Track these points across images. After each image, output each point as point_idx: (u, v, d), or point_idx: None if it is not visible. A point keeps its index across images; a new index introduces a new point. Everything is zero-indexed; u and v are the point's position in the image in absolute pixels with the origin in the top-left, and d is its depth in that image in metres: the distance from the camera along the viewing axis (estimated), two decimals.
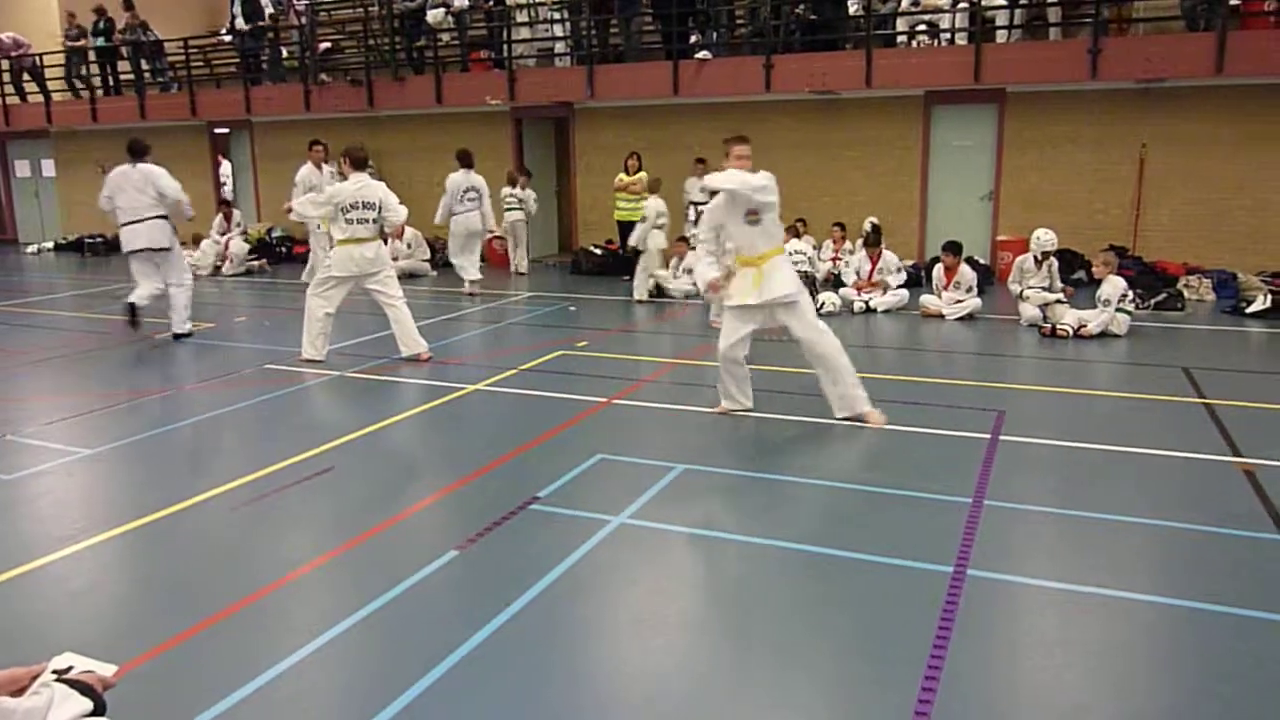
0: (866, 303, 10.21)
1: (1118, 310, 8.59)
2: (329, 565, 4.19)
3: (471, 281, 11.83)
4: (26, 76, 18.93)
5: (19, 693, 2.01)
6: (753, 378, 6.49)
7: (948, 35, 12.26)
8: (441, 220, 11.95)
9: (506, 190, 13.60)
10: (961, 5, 12.05)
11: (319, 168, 11.55)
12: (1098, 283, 8.93)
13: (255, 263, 15.07)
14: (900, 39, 12.61)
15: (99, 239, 18.23)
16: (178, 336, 9.29)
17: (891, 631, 3.52)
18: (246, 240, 15.73)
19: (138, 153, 9.27)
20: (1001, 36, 12.08)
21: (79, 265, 16.78)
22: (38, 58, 18.75)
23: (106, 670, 2.08)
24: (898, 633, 3.50)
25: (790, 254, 11.14)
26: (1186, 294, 10.45)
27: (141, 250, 9.12)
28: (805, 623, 3.62)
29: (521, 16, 14.45)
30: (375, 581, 3.93)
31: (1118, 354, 8.09)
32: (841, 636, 3.51)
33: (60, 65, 18.62)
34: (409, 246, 13.95)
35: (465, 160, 11.90)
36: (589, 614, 3.72)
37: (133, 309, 9.30)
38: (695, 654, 3.41)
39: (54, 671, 2.05)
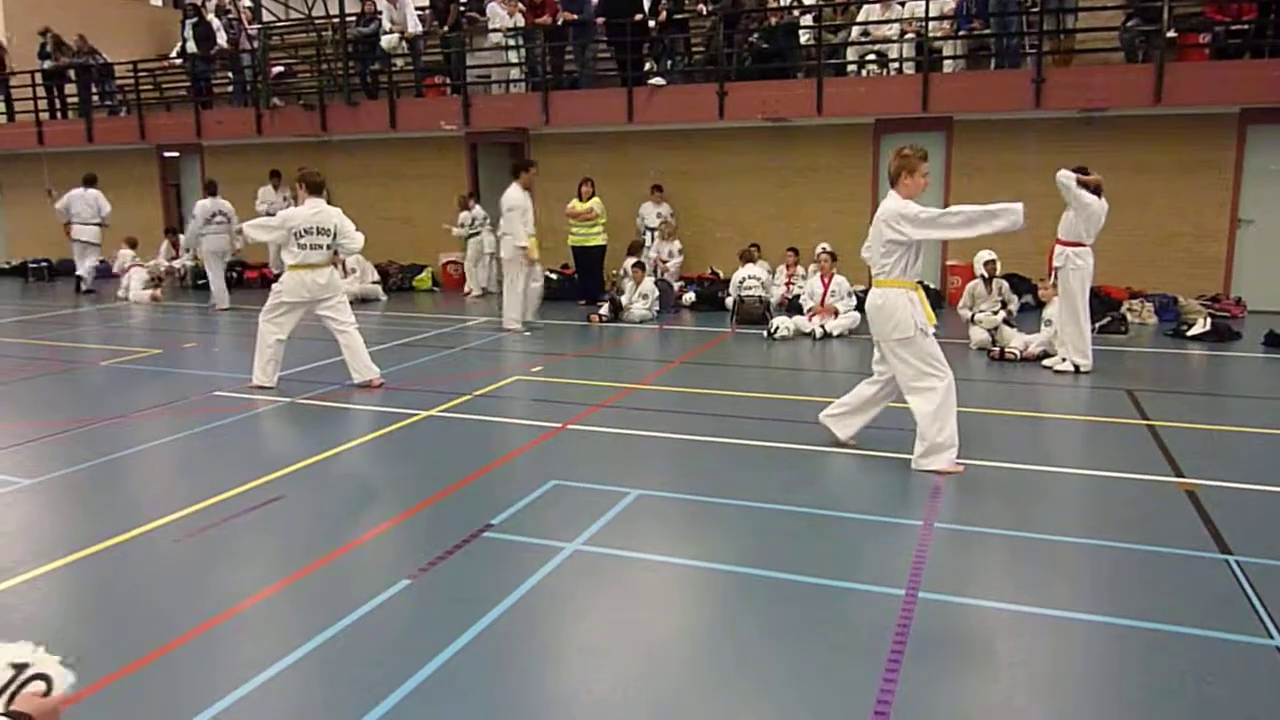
0: (822, 326, 10.31)
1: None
2: (279, 595, 4.11)
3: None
4: None
5: None
6: (716, 404, 6.53)
7: (896, 65, 12.51)
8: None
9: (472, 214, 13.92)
10: (909, 36, 12.31)
11: (529, 190, 11.07)
12: (1042, 306, 9.13)
13: (152, 292, 14.42)
14: (850, 68, 12.84)
15: (44, 263, 17.86)
16: (81, 280, 15.11)
17: (846, 655, 3.53)
18: (196, 264, 15.52)
19: (91, 182, 15.00)
20: (949, 66, 12.36)
21: (22, 290, 16.40)
22: None
23: (60, 676, 1.97)
24: (852, 656, 3.52)
25: (744, 280, 11.34)
26: (1130, 318, 10.71)
27: (85, 242, 14.92)
28: (760, 647, 3.63)
29: (486, 41, 14.51)
30: (326, 611, 3.87)
31: (1063, 377, 8.24)
32: (796, 660, 3.52)
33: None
34: (354, 271, 13.83)
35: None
36: (543, 642, 3.69)
37: (80, 281, 15.14)
38: (650, 682, 3.39)
39: (12, 665, 1.93)
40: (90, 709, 3.18)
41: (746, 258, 11.78)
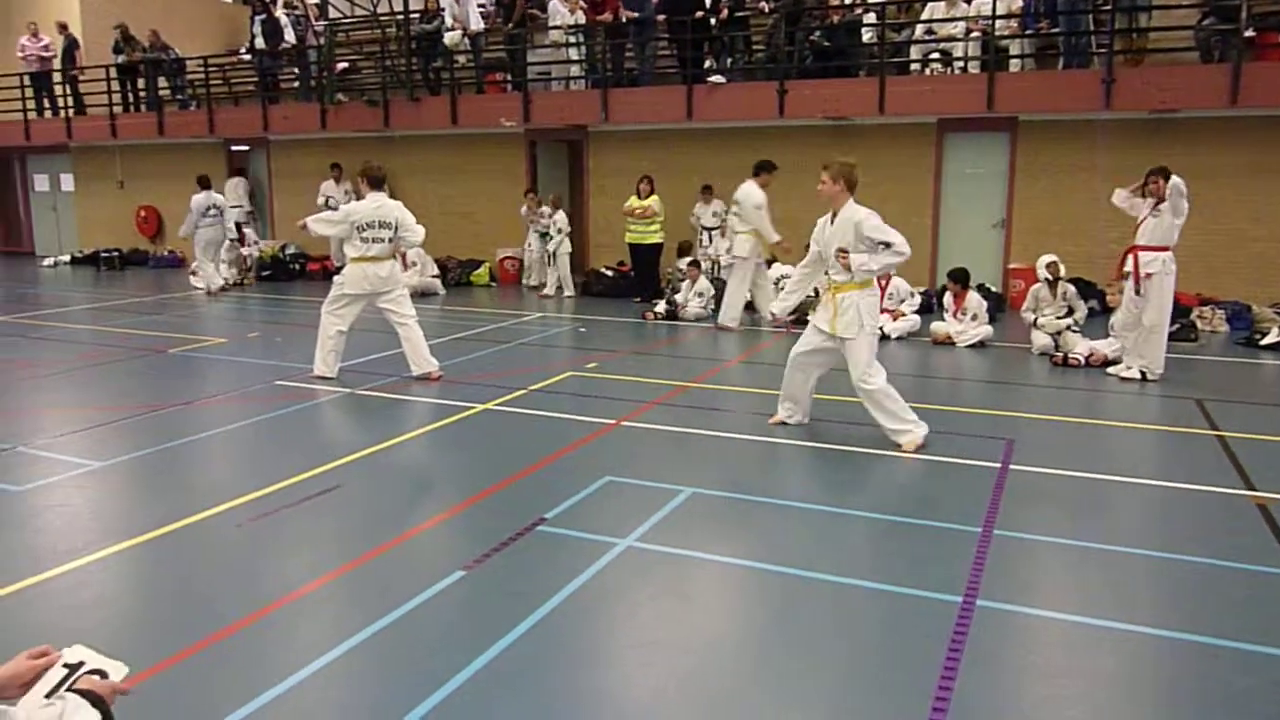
0: (880, 328, 10.17)
1: None
2: (335, 583, 4.19)
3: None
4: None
5: (26, 686, 2.00)
6: (770, 403, 6.51)
7: (961, 64, 12.31)
8: None
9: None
10: (975, 34, 12.10)
11: (764, 191, 10.65)
12: (1110, 311, 8.91)
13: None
14: (914, 67, 12.67)
15: (114, 253, 18.38)
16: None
17: (900, 661, 3.49)
18: (261, 255, 15.86)
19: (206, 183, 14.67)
20: (1015, 65, 12.13)
21: (94, 279, 16.89)
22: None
23: (118, 672, 2.06)
24: (906, 662, 3.47)
25: (779, 280, 11.40)
26: (1199, 325, 10.41)
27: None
28: (812, 650, 3.60)
29: (546, 38, 14.59)
30: (381, 600, 3.92)
31: (1130, 384, 8.04)
32: (849, 665, 3.48)
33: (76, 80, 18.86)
34: (415, 264, 14.00)
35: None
36: (595, 637, 3.70)
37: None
38: (701, 680, 3.38)
39: (65, 665, 2.03)
40: (153, 688, 3.26)
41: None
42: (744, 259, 10.73)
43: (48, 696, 1.94)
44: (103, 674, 2.03)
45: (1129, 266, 8.12)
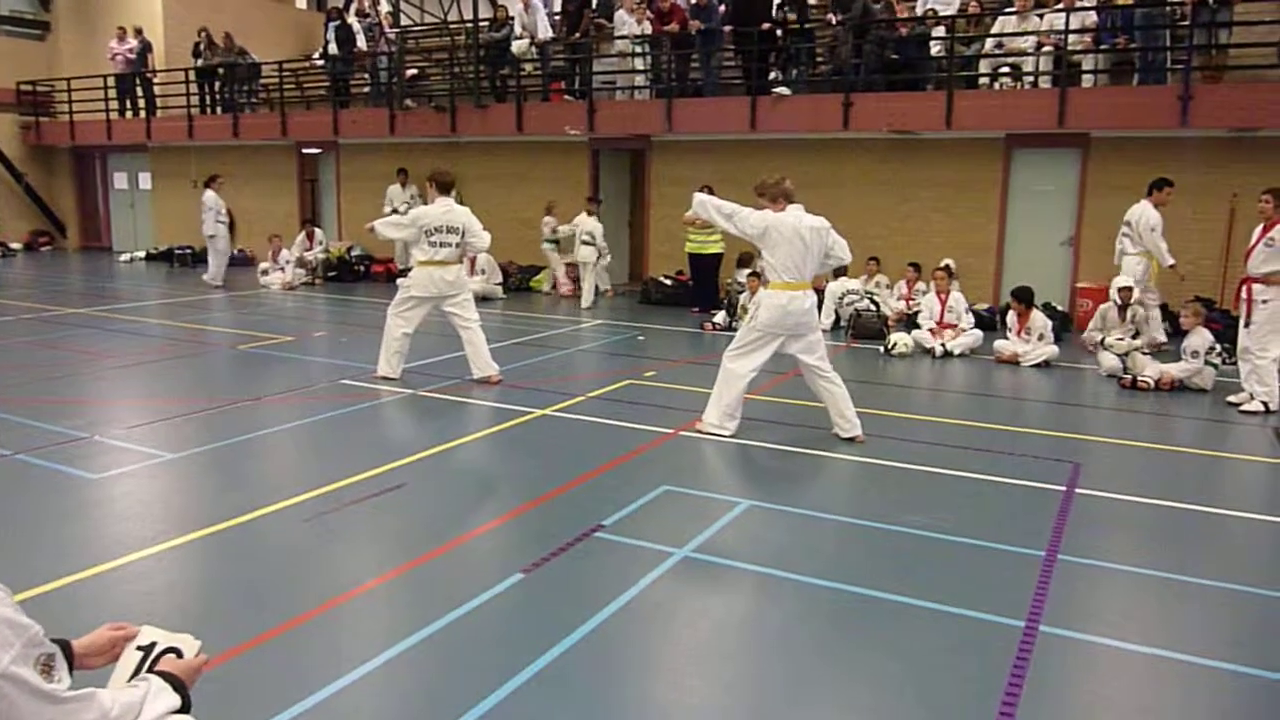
0: (942, 344, 10.05)
1: (1205, 363, 8.32)
2: (395, 582, 4.25)
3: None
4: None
5: (103, 656, 2.06)
6: (828, 418, 6.47)
7: (1031, 78, 12.11)
8: None
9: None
10: (1046, 49, 11.90)
11: (1159, 210, 9.86)
12: (1183, 334, 8.68)
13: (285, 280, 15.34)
14: (982, 81, 12.50)
15: (187, 250, 18.89)
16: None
17: (958, 685, 3.44)
18: (328, 256, 16.17)
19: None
20: (1087, 81, 11.90)
21: (167, 274, 17.38)
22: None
23: (190, 647, 2.11)
24: (965, 687, 3.42)
25: (844, 294, 11.38)
26: None
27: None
28: (868, 670, 3.56)
29: (612, 48, 14.67)
30: (439, 601, 3.97)
31: (1202, 409, 7.83)
32: (906, 686, 3.44)
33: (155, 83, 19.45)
34: (483, 272, 14.17)
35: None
36: (648, 646, 3.71)
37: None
38: (751, 695, 3.37)
39: (138, 648, 2.08)
40: (217, 678, 3.33)
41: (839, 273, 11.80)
42: (1137, 281, 9.69)
43: (129, 680, 2.01)
44: (178, 652, 2.09)
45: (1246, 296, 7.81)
